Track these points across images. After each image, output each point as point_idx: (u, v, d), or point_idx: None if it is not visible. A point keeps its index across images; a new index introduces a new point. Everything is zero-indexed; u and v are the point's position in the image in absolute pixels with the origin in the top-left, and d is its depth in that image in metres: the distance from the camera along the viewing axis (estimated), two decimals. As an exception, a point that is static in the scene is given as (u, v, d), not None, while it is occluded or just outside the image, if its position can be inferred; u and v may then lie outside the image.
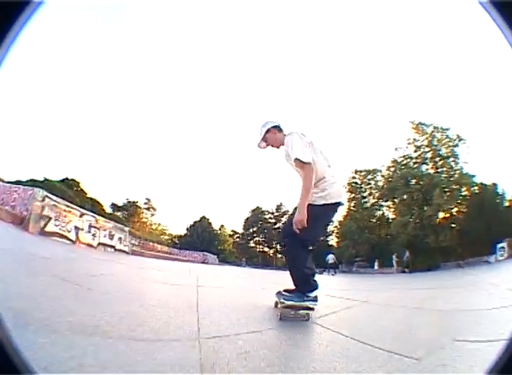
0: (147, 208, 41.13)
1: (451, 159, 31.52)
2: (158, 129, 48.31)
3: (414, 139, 32.63)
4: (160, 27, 46.31)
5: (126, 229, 13.67)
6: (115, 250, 12.18)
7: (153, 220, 41.90)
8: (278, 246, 40.98)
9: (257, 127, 3.34)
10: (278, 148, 3.32)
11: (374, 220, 37.19)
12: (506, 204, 29.56)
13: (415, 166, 33.02)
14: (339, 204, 3.12)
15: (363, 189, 38.39)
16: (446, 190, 30.62)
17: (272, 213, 44.02)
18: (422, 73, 41.40)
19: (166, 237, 40.65)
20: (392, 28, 41.86)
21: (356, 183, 38.48)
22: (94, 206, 25.58)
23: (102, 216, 12.87)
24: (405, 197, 32.95)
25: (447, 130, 32.00)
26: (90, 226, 11.05)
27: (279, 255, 41.47)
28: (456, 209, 30.19)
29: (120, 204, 39.79)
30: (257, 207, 43.48)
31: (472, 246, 26.88)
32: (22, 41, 0.85)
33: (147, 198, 41.28)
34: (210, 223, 41.58)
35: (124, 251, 12.60)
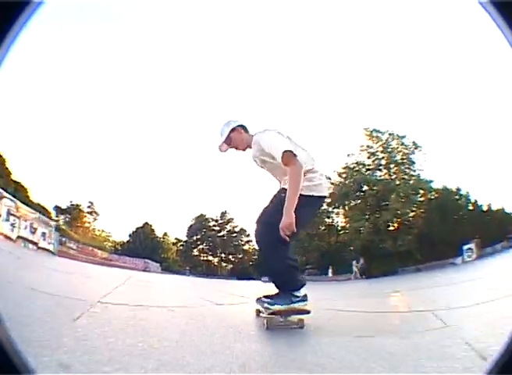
0: (90, 213, 38.92)
1: (406, 166, 32.29)
2: (104, 131, 45.28)
3: (368, 146, 32.91)
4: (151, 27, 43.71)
5: (53, 223, 11.90)
6: (38, 248, 10.66)
7: (95, 225, 39.67)
8: (222, 255, 40.86)
9: (218, 127, 3.03)
10: (244, 150, 3.05)
11: (323, 227, 36.41)
12: (471, 207, 30.75)
13: (368, 172, 32.81)
14: (324, 198, 2.96)
15: None
16: (403, 195, 30.82)
17: (216, 221, 43.16)
18: (422, 72, 41.51)
19: (110, 244, 38.71)
20: (388, 28, 41.89)
21: None
22: (18, 191, 21.80)
23: (26, 205, 10.93)
24: (358, 202, 32.66)
25: (403, 137, 32.69)
26: (9, 214, 9.41)
27: (224, 264, 41.33)
28: (413, 214, 30.39)
29: (64, 206, 37.17)
30: (201, 214, 42.43)
31: (434, 249, 27.24)
32: (22, 41, 0.85)
33: (90, 202, 38.94)
34: (153, 230, 40.20)
35: (48, 251, 11.12)
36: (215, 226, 42.88)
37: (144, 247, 36.13)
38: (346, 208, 33.15)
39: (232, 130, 3.00)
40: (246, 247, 41.98)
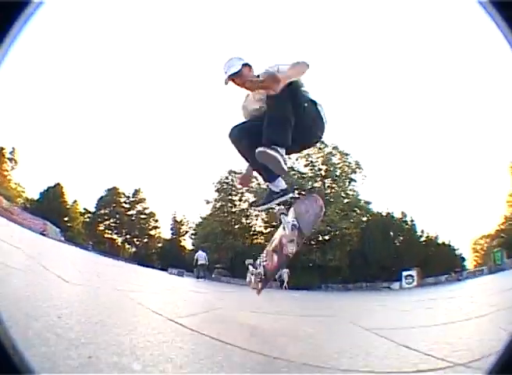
0: (10, 160, 36.45)
1: (344, 182, 32.51)
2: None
3: (308, 154, 32.59)
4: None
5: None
6: None
7: (12, 175, 36.96)
8: (127, 236, 38.59)
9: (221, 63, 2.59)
10: (248, 89, 2.63)
11: (240, 226, 35.89)
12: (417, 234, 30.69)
13: (302, 180, 32.60)
14: None
15: (234, 192, 36.67)
16: (341, 209, 30.54)
17: (128, 197, 39.87)
18: (420, 72, 41.71)
19: (21, 201, 35.97)
20: (387, 28, 42.00)
21: (228, 183, 36.56)
22: None
23: None
24: None
25: (347, 154, 32.95)
26: None
27: (128, 246, 39.13)
28: (349, 231, 29.47)
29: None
30: (115, 187, 38.97)
31: (367, 270, 26.96)
32: (21, 40, 0.85)
33: (13, 148, 36.54)
34: (63, 193, 37.16)
35: None
36: (125, 202, 39.97)
37: (50, 208, 33.30)
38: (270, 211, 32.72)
39: (245, 64, 2.57)
40: (152, 232, 39.92)
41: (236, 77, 2.55)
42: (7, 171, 36.79)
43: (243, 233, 35.29)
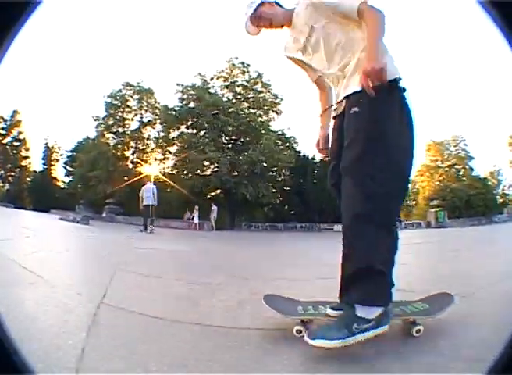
0: None
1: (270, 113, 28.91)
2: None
3: (230, 73, 29.04)
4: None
5: None
6: None
7: None
8: (2, 172, 32.17)
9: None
10: (281, 27, 1.99)
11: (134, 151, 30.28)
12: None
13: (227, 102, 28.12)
14: None
15: (128, 109, 29.90)
16: (280, 143, 27.54)
17: (5, 121, 32.22)
18: (420, 72, 41.85)
19: None
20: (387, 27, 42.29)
21: (122, 95, 29.73)
22: None
23: None
24: (205, 128, 27.16)
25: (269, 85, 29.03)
26: None
27: (2, 183, 32.81)
28: (284, 165, 26.44)
29: None
30: None
31: (302, 210, 26.27)
32: (21, 40, 0.85)
33: None
34: None
35: None
36: (2, 128, 32.14)
37: None
38: (186, 131, 27.95)
39: (262, 4, 1.97)
40: (24, 163, 32.80)
41: (258, 21, 1.98)
42: None
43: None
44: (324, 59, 1.76)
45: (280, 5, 2.01)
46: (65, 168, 32.93)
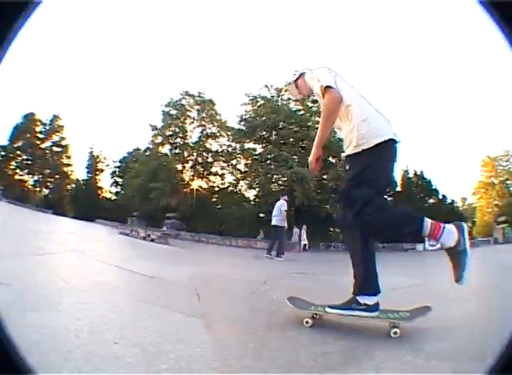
0: None
1: None
2: None
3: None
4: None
5: None
6: None
7: None
8: (40, 175, 31.32)
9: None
10: (308, 96, 2.92)
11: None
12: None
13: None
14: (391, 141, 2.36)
15: (189, 118, 28.35)
16: None
17: (45, 125, 31.43)
18: (420, 72, 41.74)
19: None
20: (388, 28, 41.80)
21: (182, 105, 28.09)
22: None
23: None
24: (285, 142, 25.12)
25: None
26: None
27: (40, 188, 32.09)
28: None
29: None
30: (32, 113, 30.75)
31: None
32: (21, 40, 0.85)
33: None
34: None
35: None
36: (42, 132, 31.50)
37: None
38: (257, 146, 26.30)
39: (299, 77, 2.77)
40: (66, 170, 32.13)
41: (297, 91, 2.86)
42: None
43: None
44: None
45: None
46: (112, 178, 32.21)
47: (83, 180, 31.98)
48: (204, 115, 27.94)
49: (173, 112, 27.76)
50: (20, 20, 0.83)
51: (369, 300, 2.25)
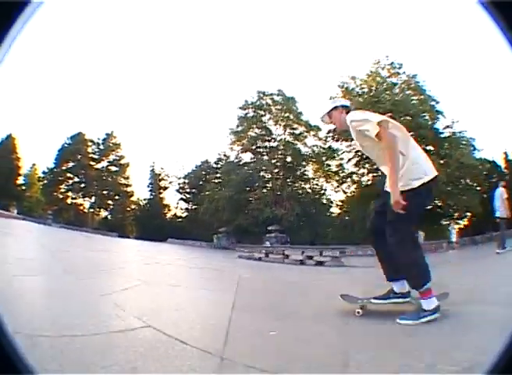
0: None
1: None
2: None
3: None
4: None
5: None
6: None
7: None
8: (95, 198, 29.57)
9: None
10: (340, 128, 3.24)
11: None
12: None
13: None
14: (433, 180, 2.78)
15: (274, 119, 25.29)
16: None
17: (98, 145, 29.73)
18: (420, 73, 41.93)
19: None
20: (388, 27, 41.87)
21: (262, 105, 25.42)
22: None
23: None
24: None
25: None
26: None
27: (99, 210, 30.36)
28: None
29: None
30: (80, 133, 29.10)
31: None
32: (21, 40, 0.85)
33: None
34: (15, 147, 27.37)
35: None
36: (95, 152, 29.94)
37: (5, 163, 25.52)
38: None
39: (335, 107, 3.13)
40: (126, 189, 30.35)
41: (329, 118, 3.22)
42: None
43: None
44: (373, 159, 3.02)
45: (348, 109, 3.06)
46: (182, 194, 30.10)
47: (145, 199, 30.48)
48: (287, 114, 24.86)
49: (251, 114, 25.33)
50: (21, 20, 0.83)
51: (402, 288, 2.85)
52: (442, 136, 21.55)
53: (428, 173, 2.69)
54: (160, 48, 44.62)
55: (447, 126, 21.53)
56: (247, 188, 23.43)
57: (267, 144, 25.21)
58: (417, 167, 2.67)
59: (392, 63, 23.51)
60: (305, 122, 24.78)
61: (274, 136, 25.05)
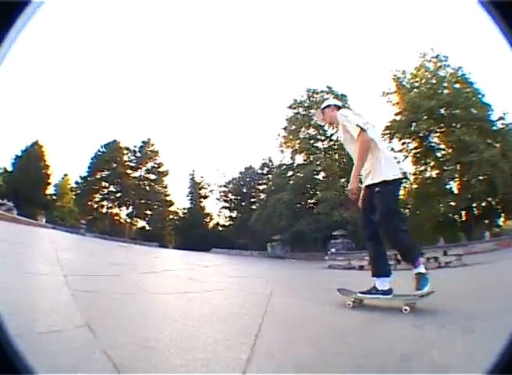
0: None
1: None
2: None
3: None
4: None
5: None
6: None
7: None
8: (131, 207, 27.94)
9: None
10: (330, 125, 3.67)
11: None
12: None
13: None
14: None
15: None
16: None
17: (134, 152, 28.64)
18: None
19: None
20: (388, 27, 42.16)
21: (312, 103, 24.17)
22: None
23: None
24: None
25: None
26: None
27: (136, 220, 28.50)
28: None
29: None
30: (115, 140, 28.03)
31: None
32: (22, 40, 0.86)
33: None
34: (43, 154, 26.16)
35: None
36: (131, 160, 28.74)
37: (25, 178, 24.06)
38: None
39: (328, 106, 3.45)
40: (164, 199, 28.93)
41: (323, 116, 3.49)
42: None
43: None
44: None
45: (339, 108, 3.34)
46: (226, 202, 29.16)
47: (185, 209, 29.56)
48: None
49: (301, 113, 24.20)
50: (22, 20, 0.84)
51: (383, 286, 2.91)
52: (495, 128, 20.87)
53: (399, 172, 3.12)
54: (201, 53, 45.58)
55: (500, 118, 20.79)
56: (307, 191, 22.01)
57: (320, 144, 23.89)
58: (393, 164, 3.09)
59: (437, 56, 23.47)
60: None
61: (327, 135, 23.82)
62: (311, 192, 22.18)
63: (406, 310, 2.62)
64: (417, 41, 41.11)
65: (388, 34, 43.23)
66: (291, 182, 22.20)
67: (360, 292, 2.98)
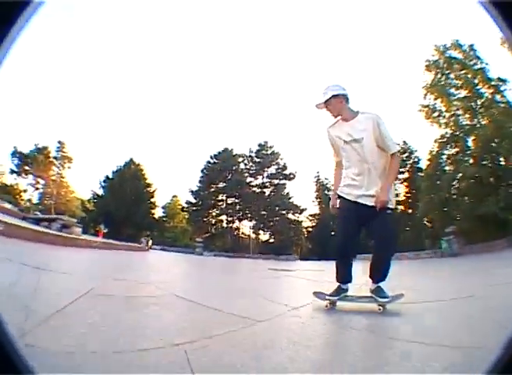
0: (61, 158, 26.39)
1: None
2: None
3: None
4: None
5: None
6: None
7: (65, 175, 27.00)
8: (255, 220, 24.90)
9: (322, 86, 3.01)
10: (335, 117, 3.09)
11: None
12: None
13: None
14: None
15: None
16: None
17: (251, 158, 25.57)
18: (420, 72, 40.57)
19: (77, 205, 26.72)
20: (389, 27, 43.18)
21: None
22: None
23: None
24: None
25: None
26: None
27: (262, 233, 25.39)
28: None
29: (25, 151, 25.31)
30: (226, 149, 25.28)
31: None
32: (22, 40, 0.87)
33: (59, 142, 26.15)
34: (140, 168, 24.78)
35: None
36: (248, 167, 25.66)
37: (121, 200, 22.64)
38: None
39: (337, 95, 3.03)
40: (303, 207, 25.70)
41: (326, 105, 3.06)
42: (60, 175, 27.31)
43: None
44: (363, 158, 2.88)
45: (347, 100, 3.04)
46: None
47: (314, 215, 26.36)
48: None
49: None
50: (22, 20, 0.86)
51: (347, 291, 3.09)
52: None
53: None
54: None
55: None
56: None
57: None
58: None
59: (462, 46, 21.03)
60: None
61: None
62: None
63: (380, 310, 2.81)
64: (417, 41, 41.92)
65: (388, 34, 42.22)
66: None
67: (329, 294, 3.06)
